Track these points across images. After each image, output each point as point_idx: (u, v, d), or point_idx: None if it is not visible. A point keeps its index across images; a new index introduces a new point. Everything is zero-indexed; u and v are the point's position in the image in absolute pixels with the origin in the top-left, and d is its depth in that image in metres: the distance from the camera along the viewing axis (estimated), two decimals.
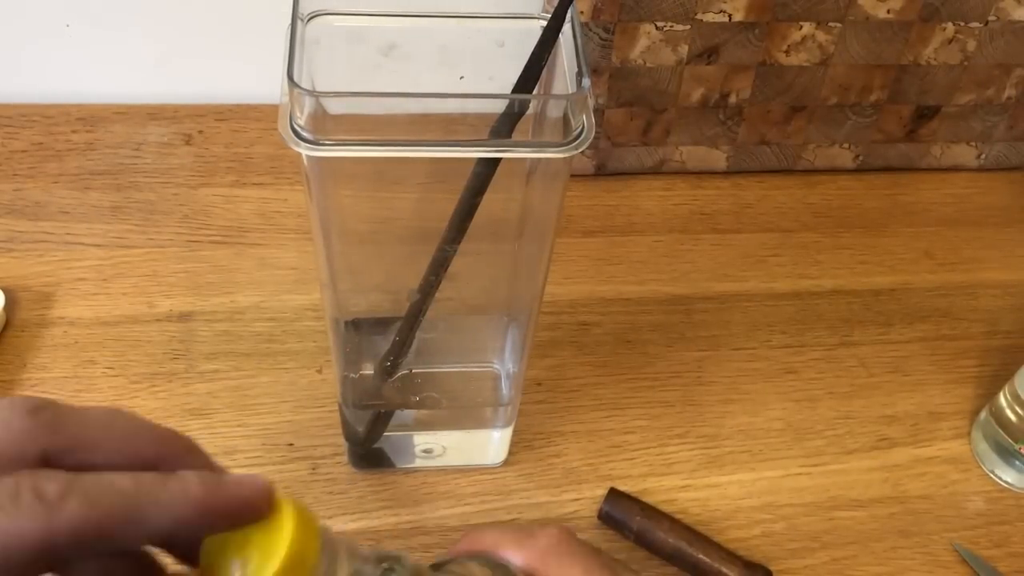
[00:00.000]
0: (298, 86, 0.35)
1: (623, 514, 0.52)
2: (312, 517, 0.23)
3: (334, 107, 0.36)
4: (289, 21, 0.38)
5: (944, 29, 0.66)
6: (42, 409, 0.21)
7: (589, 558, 0.31)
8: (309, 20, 0.40)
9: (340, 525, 0.52)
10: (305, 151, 0.35)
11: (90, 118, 0.73)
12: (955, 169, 0.76)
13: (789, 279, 0.67)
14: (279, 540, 0.22)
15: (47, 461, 0.21)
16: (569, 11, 0.38)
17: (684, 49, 0.65)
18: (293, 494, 0.56)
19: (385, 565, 0.26)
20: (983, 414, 0.58)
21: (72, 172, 0.69)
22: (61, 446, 0.21)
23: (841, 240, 0.70)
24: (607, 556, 0.32)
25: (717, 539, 0.53)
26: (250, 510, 0.22)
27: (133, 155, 0.71)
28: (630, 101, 0.68)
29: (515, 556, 0.31)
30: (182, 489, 0.21)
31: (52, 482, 0.19)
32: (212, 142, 0.72)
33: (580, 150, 0.36)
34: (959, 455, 0.58)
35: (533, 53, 0.38)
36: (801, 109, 0.70)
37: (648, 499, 0.54)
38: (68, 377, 0.57)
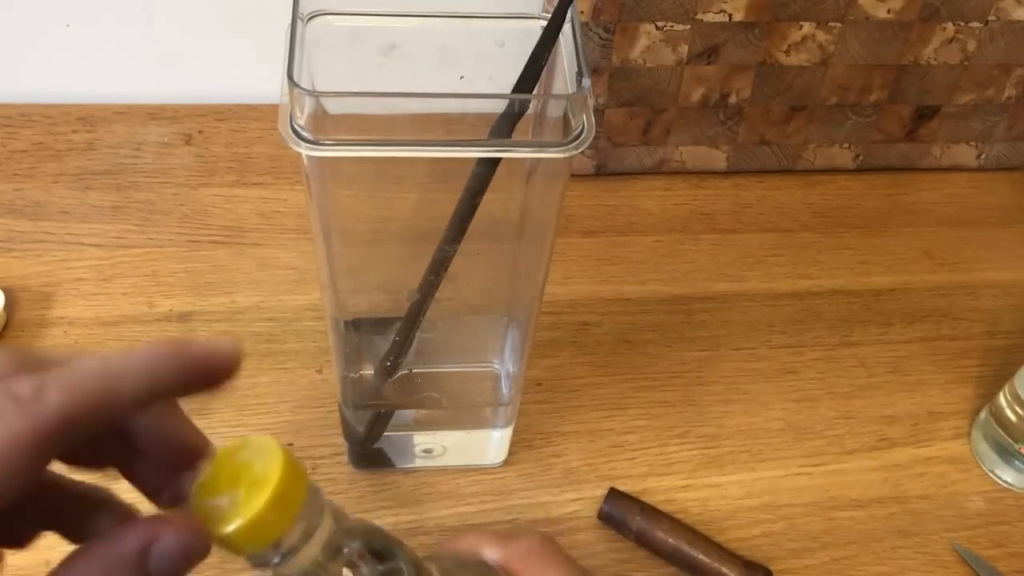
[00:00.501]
0: (298, 86, 0.35)
1: (623, 514, 0.52)
2: (302, 469, 0.23)
3: (334, 107, 0.36)
4: (289, 21, 0.38)
5: (944, 29, 0.66)
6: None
7: (568, 564, 0.31)
8: (309, 20, 0.40)
9: None
10: (305, 151, 0.35)
11: (90, 118, 0.73)
12: (955, 169, 0.76)
13: (789, 279, 0.67)
14: (267, 480, 0.22)
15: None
16: (569, 11, 0.38)
17: (684, 49, 0.65)
18: None
19: (382, 568, 0.26)
20: (983, 414, 0.58)
21: (72, 172, 0.69)
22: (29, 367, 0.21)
23: (841, 240, 0.70)
24: (583, 565, 0.32)
25: (717, 539, 0.53)
26: (222, 364, 0.23)
27: (133, 155, 0.71)
28: (630, 101, 0.68)
29: (495, 555, 0.31)
30: (149, 351, 0.22)
31: (24, 383, 0.20)
32: (212, 142, 0.72)
33: (580, 150, 0.36)
34: (959, 455, 0.58)
35: (533, 53, 0.38)
36: (801, 109, 0.70)
37: (648, 499, 0.54)
38: None
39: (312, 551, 0.24)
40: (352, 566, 0.25)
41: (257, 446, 0.23)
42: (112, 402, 0.21)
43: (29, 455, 0.19)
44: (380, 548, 0.27)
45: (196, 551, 0.22)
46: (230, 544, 0.23)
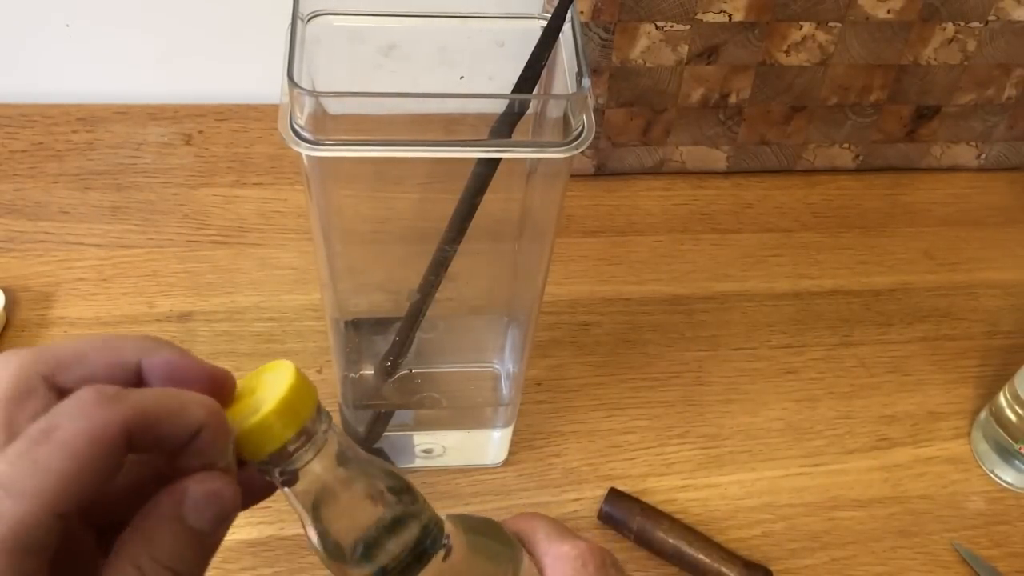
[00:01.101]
0: (298, 86, 0.35)
1: (623, 514, 0.52)
2: (312, 389, 0.26)
3: (334, 107, 0.36)
4: (289, 21, 0.38)
5: (944, 29, 0.66)
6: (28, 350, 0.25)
7: None
8: (309, 20, 0.40)
9: None
10: (305, 151, 0.35)
11: (90, 118, 0.73)
12: (955, 169, 0.76)
13: (789, 279, 0.67)
14: (278, 392, 0.25)
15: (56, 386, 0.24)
16: (569, 11, 0.38)
17: (684, 49, 0.65)
18: None
19: (395, 504, 0.27)
20: (983, 414, 0.58)
21: (72, 172, 0.69)
22: (56, 367, 0.24)
23: (841, 240, 0.70)
24: None
25: (717, 539, 0.53)
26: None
27: (133, 155, 0.71)
28: (630, 101, 0.68)
29: (542, 548, 0.30)
30: (196, 398, 0.24)
31: (108, 388, 0.23)
32: (212, 142, 0.72)
33: (580, 150, 0.36)
34: (959, 455, 0.58)
35: (533, 53, 0.38)
36: (801, 109, 0.70)
37: (648, 499, 0.54)
38: None
39: (318, 467, 0.26)
40: (369, 498, 0.27)
41: (276, 367, 0.27)
42: (174, 421, 0.24)
43: (117, 443, 0.22)
44: (395, 486, 0.28)
45: (222, 496, 0.24)
46: (242, 447, 0.25)
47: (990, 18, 0.66)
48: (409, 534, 0.27)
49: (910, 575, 0.53)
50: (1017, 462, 0.56)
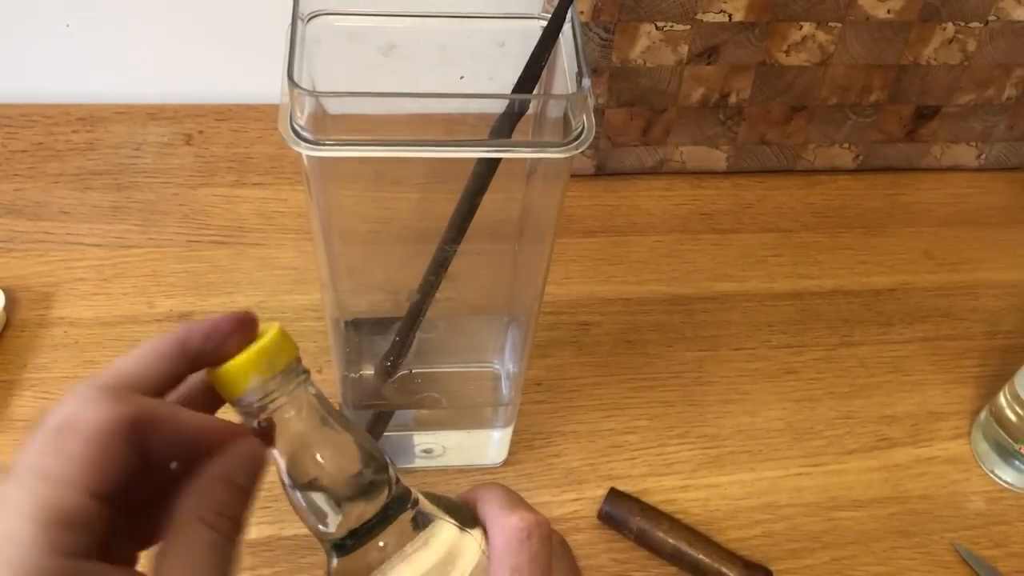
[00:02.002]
0: (298, 86, 0.35)
1: (623, 514, 0.52)
2: (292, 345, 0.29)
3: (334, 107, 0.36)
4: (289, 21, 0.38)
5: (944, 29, 0.66)
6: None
7: (574, 567, 0.32)
8: (309, 20, 0.40)
9: None
10: (305, 151, 0.35)
11: (90, 118, 0.73)
12: (955, 169, 0.76)
13: (789, 279, 0.67)
14: (258, 340, 0.29)
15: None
16: (569, 11, 0.38)
17: (684, 49, 0.65)
18: None
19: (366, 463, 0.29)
20: (983, 414, 0.58)
21: (72, 172, 0.69)
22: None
23: (841, 240, 0.70)
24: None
25: (717, 539, 0.53)
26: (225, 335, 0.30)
27: (133, 155, 0.71)
28: (630, 101, 0.68)
29: (497, 515, 0.31)
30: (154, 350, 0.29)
31: (107, 386, 0.27)
32: (212, 142, 0.72)
33: (580, 150, 0.36)
34: (959, 455, 0.58)
35: (533, 53, 0.38)
36: (801, 109, 0.70)
37: (648, 499, 0.54)
38: (68, 377, 0.57)
39: (292, 416, 0.29)
40: (341, 453, 0.29)
41: (267, 327, 0.30)
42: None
43: (127, 433, 0.26)
44: (368, 449, 0.29)
45: (257, 456, 0.28)
46: (221, 388, 0.29)
47: (990, 18, 0.66)
48: (376, 493, 0.29)
49: (910, 575, 0.53)
50: (1017, 462, 0.56)
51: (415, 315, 0.45)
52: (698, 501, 0.55)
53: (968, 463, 0.58)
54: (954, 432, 0.60)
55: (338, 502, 0.29)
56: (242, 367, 0.28)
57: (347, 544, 0.29)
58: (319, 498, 0.29)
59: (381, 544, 0.29)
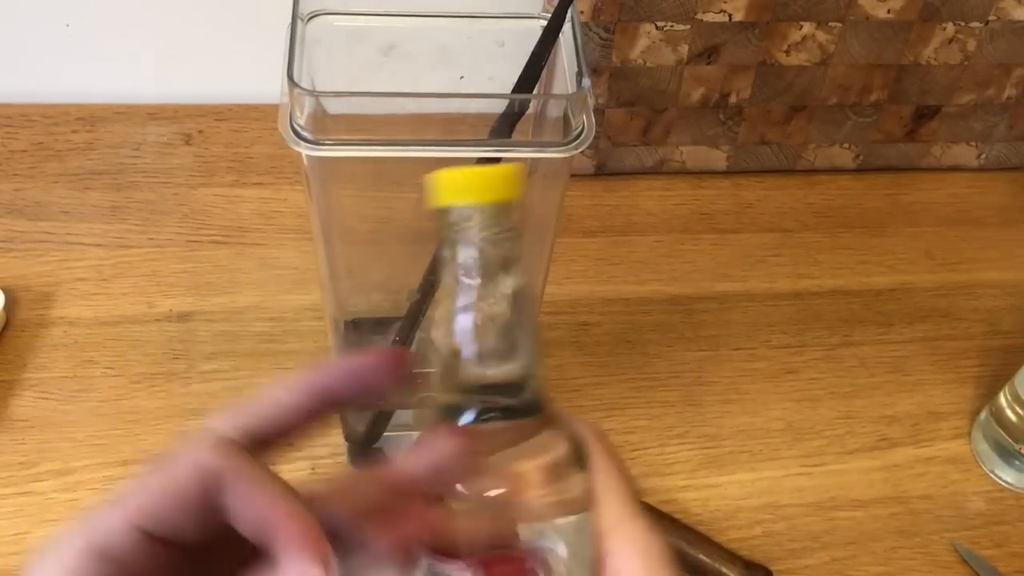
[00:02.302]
0: (298, 86, 0.35)
1: None
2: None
3: (334, 107, 0.36)
4: (289, 21, 0.38)
5: (944, 29, 0.66)
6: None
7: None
8: (309, 20, 0.40)
9: None
10: (305, 151, 0.35)
11: (90, 118, 0.73)
12: (955, 169, 0.76)
13: (789, 279, 0.67)
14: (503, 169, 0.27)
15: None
16: (569, 11, 0.38)
17: (684, 49, 0.65)
18: None
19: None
20: (983, 414, 0.58)
21: (72, 172, 0.69)
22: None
23: (841, 240, 0.70)
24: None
25: (717, 539, 0.53)
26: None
27: (133, 155, 0.71)
28: (630, 101, 0.68)
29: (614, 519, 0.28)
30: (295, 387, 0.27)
31: (224, 438, 0.25)
32: (212, 142, 0.72)
33: (580, 150, 0.36)
34: (959, 455, 0.58)
35: (533, 53, 0.38)
36: (801, 109, 0.70)
37: (648, 499, 0.54)
38: (68, 377, 0.57)
39: (492, 251, 0.27)
40: (510, 321, 0.27)
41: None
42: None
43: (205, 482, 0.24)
44: (534, 335, 0.28)
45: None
46: (462, 188, 0.27)
47: (990, 18, 0.66)
48: (521, 380, 0.28)
49: (910, 575, 0.53)
50: (1017, 462, 0.56)
51: (415, 315, 0.45)
52: (698, 501, 0.55)
53: (968, 463, 0.58)
54: (954, 432, 0.60)
55: (488, 361, 0.27)
56: (506, 179, 0.27)
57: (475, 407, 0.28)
58: (476, 350, 0.27)
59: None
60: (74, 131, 0.72)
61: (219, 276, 0.63)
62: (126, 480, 0.24)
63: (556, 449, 0.28)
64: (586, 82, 0.37)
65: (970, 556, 0.54)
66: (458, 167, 0.27)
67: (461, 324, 0.27)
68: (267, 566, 0.23)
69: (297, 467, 0.54)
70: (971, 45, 0.68)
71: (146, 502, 0.23)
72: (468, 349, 0.27)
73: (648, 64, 0.66)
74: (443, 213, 0.27)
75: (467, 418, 0.28)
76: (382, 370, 0.27)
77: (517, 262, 0.27)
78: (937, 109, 0.71)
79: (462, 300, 0.27)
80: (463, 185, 0.27)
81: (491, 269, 0.27)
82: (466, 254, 0.27)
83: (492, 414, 0.28)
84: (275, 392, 0.26)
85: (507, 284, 0.27)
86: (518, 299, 0.28)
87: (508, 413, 0.28)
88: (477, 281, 0.27)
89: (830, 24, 0.65)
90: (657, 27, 0.64)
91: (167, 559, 0.24)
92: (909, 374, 0.62)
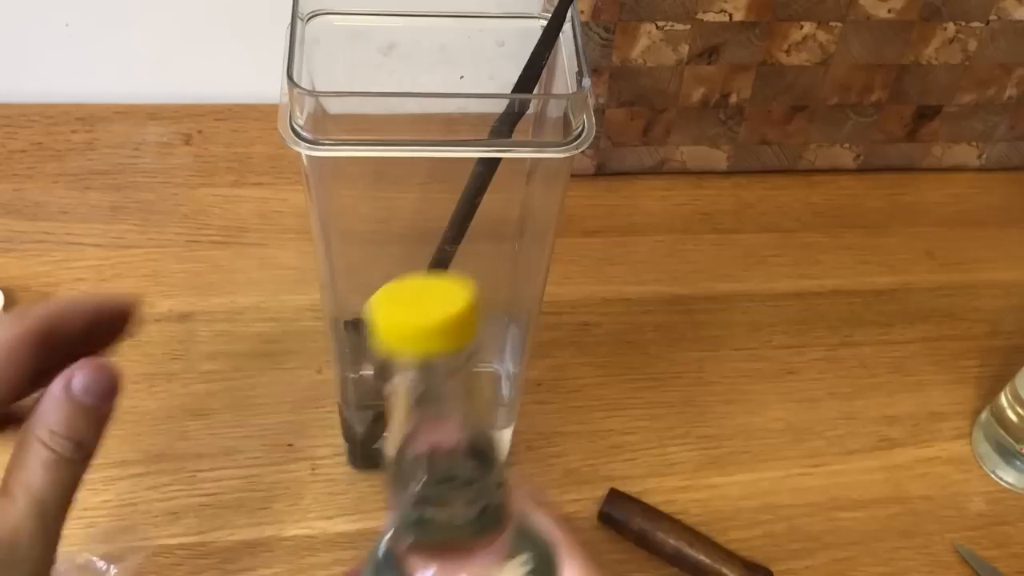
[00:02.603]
0: (298, 86, 0.35)
1: (623, 515, 0.52)
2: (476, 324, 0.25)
3: (334, 107, 0.36)
4: (289, 21, 0.38)
5: (945, 29, 0.66)
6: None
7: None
8: (309, 20, 0.40)
9: (340, 526, 0.52)
10: (305, 151, 0.35)
11: (90, 118, 0.72)
12: (956, 169, 0.76)
13: (790, 279, 0.67)
14: (457, 301, 0.24)
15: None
16: (569, 11, 0.38)
17: (684, 49, 0.65)
18: (293, 495, 0.56)
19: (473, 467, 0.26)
20: (984, 415, 0.58)
21: (72, 172, 0.69)
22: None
23: (842, 240, 0.70)
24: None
25: (718, 540, 0.53)
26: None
27: (133, 155, 0.71)
28: (630, 101, 0.68)
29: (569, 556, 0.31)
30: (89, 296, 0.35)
31: (20, 308, 0.32)
32: (212, 142, 0.72)
33: (580, 150, 0.36)
34: (960, 455, 0.58)
35: (533, 53, 0.38)
36: (802, 109, 0.70)
37: (648, 500, 0.54)
38: None
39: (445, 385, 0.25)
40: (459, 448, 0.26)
41: (444, 282, 0.25)
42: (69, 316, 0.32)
43: (26, 349, 0.29)
44: (482, 446, 0.27)
45: (103, 373, 0.31)
46: (406, 340, 0.24)
47: (991, 18, 0.66)
48: (479, 500, 0.27)
49: None
50: (1018, 463, 0.56)
51: None
52: (699, 501, 0.55)
53: (969, 463, 0.58)
54: (955, 432, 0.59)
55: (437, 481, 0.26)
56: (461, 327, 0.24)
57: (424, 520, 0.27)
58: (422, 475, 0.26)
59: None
60: (74, 131, 0.72)
61: (219, 276, 0.63)
62: None
63: (520, 568, 0.28)
64: (586, 82, 0.37)
65: (971, 557, 0.54)
66: (405, 288, 0.24)
67: (410, 454, 0.26)
68: None
69: (298, 467, 0.54)
70: (972, 45, 0.67)
71: None
72: (419, 476, 0.26)
73: (648, 64, 0.65)
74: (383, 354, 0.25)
75: (423, 534, 0.27)
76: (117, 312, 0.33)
77: (472, 393, 0.26)
78: (938, 109, 0.71)
79: (411, 430, 0.26)
80: (407, 335, 0.24)
81: (443, 407, 0.26)
82: (414, 394, 0.25)
83: (451, 531, 0.27)
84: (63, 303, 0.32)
85: (458, 415, 0.26)
86: (475, 438, 0.27)
87: (469, 528, 0.27)
88: (425, 416, 0.26)
89: (831, 24, 0.65)
90: (657, 27, 0.64)
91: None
92: (910, 374, 0.62)
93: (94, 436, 0.30)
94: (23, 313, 0.30)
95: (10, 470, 0.29)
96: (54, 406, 0.29)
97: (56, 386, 0.29)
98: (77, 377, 0.29)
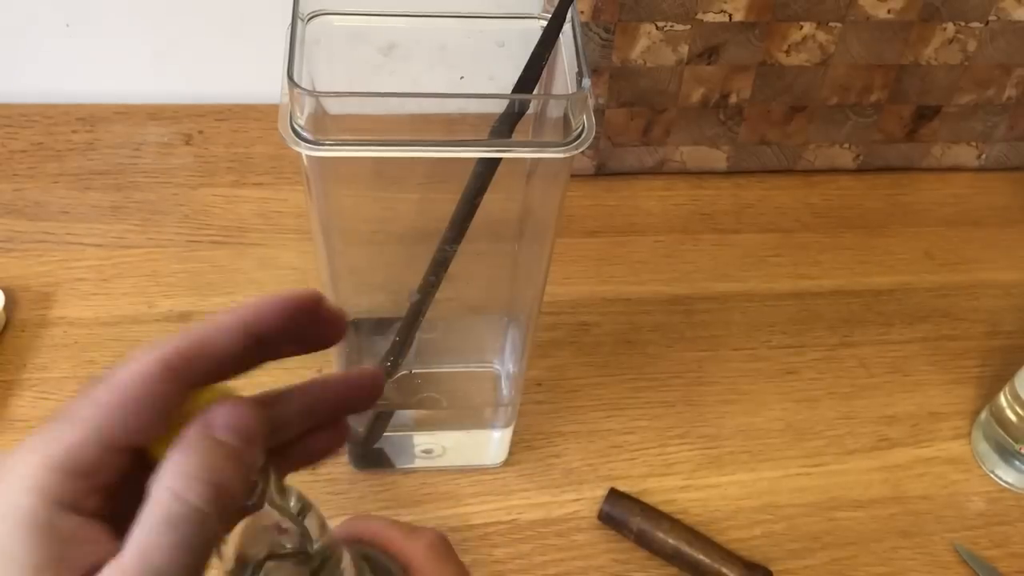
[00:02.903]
0: (298, 86, 0.35)
1: (623, 514, 0.52)
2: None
3: (334, 107, 0.36)
4: (289, 21, 0.38)
5: (944, 29, 0.66)
6: None
7: (461, 566, 0.33)
8: (309, 20, 0.40)
9: None
10: (305, 151, 0.35)
11: (90, 118, 0.73)
12: (955, 169, 0.76)
13: (789, 279, 0.67)
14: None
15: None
16: (569, 11, 0.38)
17: (684, 49, 0.65)
18: None
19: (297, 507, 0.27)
20: (983, 414, 0.58)
21: (72, 172, 0.69)
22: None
23: (841, 240, 0.70)
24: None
25: (717, 539, 0.53)
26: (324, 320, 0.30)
27: (133, 155, 0.71)
28: (630, 101, 0.68)
29: (398, 546, 0.32)
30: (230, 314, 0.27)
31: (157, 339, 0.26)
32: (212, 142, 0.72)
33: (580, 150, 0.36)
34: (959, 455, 0.58)
35: (533, 53, 0.38)
36: (801, 109, 0.70)
37: (648, 499, 0.54)
38: (68, 377, 0.57)
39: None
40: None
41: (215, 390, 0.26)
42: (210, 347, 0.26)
43: (159, 379, 0.24)
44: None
45: (246, 414, 0.25)
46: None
47: (990, 18, 0.66)
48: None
49: (910, 575, 0.53)
50: (1017, 462, 0.56)
51: (415, 315, 0.45)
52: (698, 501, 0.55)
53: (968, 463, 0.58)
54: (954, 432, 0.60)
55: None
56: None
57: None
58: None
59: None
60: (74, 131, 0.72)
61: (219, 276, 0.63)
62: (74, 400, 0.25)
63: None
64: (586, 82, 0.37)
65: (970, 557, 0.54)
66: None
67: None
68: None
69: None
70: (971, 45, 0.68)
71: (110, 414, 0.24)
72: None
73: (648, 64, 0.66)
74: None
75: None
76: (307, 309, 0.28)
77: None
78: (937, 109, 0.71)
79: None
80: None
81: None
82: None
83: None
84: (207, 325, 0.26)
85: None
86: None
87: None
88: None
89: (830, 24, 0.65)
90: (657, 27, 0.64)
91: (128, 461, 0.24)
92: (909, 374, 0.62)
93: (238, 482, 0.24)
94: (156, 343, 0.25)
95: (131, 529, 0.23)
96: (192, 449, 0.24)
97: (195, 427, 0.24)
98: (220, 416, 0.25)
